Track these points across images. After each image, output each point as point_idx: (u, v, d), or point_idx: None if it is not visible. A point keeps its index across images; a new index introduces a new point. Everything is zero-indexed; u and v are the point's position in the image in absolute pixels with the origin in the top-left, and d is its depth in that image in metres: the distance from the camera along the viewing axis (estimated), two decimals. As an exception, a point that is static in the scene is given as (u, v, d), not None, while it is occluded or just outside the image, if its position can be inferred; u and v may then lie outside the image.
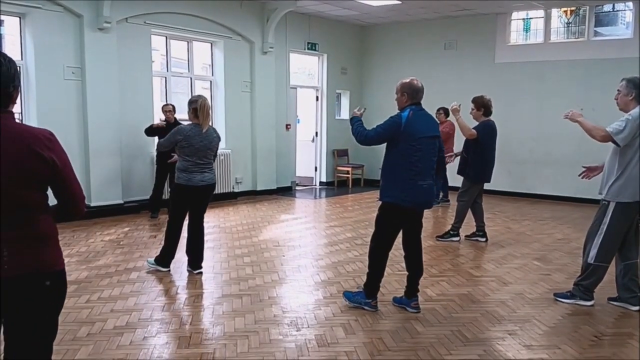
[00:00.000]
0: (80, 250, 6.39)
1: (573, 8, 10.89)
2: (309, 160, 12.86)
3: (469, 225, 7.29)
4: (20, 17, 7.69)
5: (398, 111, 4.40)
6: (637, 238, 4.63)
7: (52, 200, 2.23)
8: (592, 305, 4.71)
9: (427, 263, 5.32)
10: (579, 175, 5.02)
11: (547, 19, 11.17)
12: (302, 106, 12.53)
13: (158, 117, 8.89)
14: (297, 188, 12.20)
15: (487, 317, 4.48)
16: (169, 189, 7.61)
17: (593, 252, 4.58)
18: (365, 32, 13.27)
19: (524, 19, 11.56)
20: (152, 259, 5.70)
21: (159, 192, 8.52)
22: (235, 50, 10.40)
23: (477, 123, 6.94)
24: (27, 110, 7.77)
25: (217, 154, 5.67)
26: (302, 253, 6.53)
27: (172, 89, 9.83)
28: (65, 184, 2.20)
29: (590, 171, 4.95)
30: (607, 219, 4.49)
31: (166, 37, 9.56)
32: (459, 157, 7.29)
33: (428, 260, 5.82)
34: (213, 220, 8.19)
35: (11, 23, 7.77)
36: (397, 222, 4.44)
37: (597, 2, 10.60)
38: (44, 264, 2.15)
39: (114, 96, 8.49)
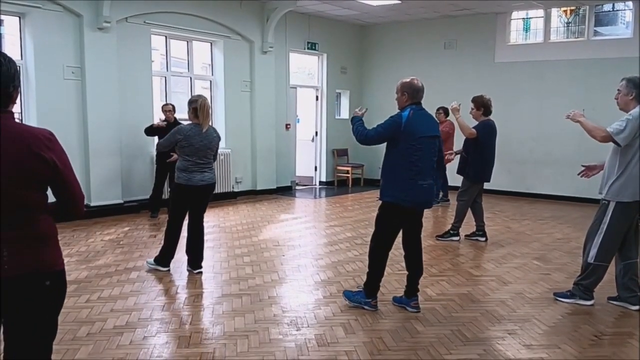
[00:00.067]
0: (80, 250, 6.39)
1: (573, 8, 10.89)
2: (309, 159, 12.87)
3: (468, 224, 7.29)
4: (20, 17, 7.69)
5: (398, 111, 4.40)
6: (637, 237, 4.64)
7: (51, 199, 2.23)
8: (592, 305, 4.71)
9: (427, 263, 5.32)
10: (578, 174, 5.03)
11: (547, 18, 11.18)
12: (302, 106, 12.53)
13: (158, 117, 8.88)
14: (297, 188, 12.20)
15: (487, 316, 4.48)
16: (169, 189, 7.61)
17: (593, 252, 4.58)
18: (365, 31, 13.27)
19: (523, 18, 11.56)
20: (151, 259, 5.71)
21: (159, 191, 8.52)
22: (235, 49, 10.40)
23: (476, 123, 6.94)
24: (27, 110, 7.77)
25: (218, 153, 5.67)
26: (302, 253, 6.53)
27: (171, 88, 9.83)
28: (65, 184, 2.19)
29: (589, 170, 4.95)
30: (607, 219, 4.49)
31: (166, 37, 9.56)
32: (459, 156, 7.29)
33: (428, 259, 5.82)
34: (213, 220, 8.19)
35: (11, 23, 7.77)
36: (397, 221, 4.44)
37: (596, 1, 10.60)
38: (43, 264, 2.15)
39: (114, 96, 8.49)
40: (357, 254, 6.42)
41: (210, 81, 10.43)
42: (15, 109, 2.21)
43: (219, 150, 5.76)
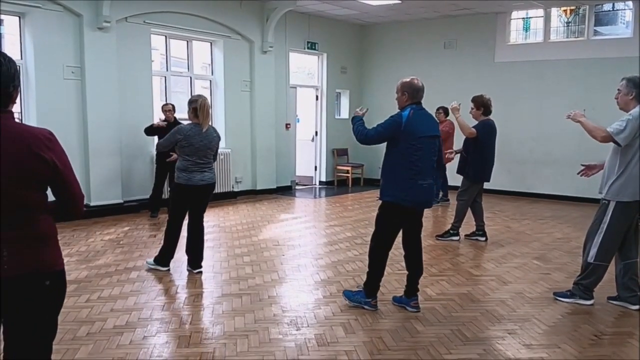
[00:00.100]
0: (80, 250, 6.39)
1: (573, 7, 10.89)
2: (309, 159, 12.86)
3: (468, 224, 7.29)
4: (19, 17, 7.69)
5: (398, 110, 4.40)
6: (637, 237, 4.64)
7: (50, 199, 2.23)
8: (591, 305, 4.71)
9: (426, 262, 5.32)
10: (578, 173, 5.03)
11: (547, 18, 11.18)
12: (301, 105, 12.52)
13: (158, 117, 8.88)
14: (297, 187, 12.20)
15: (487, 316, 4.48)
16: (169, 189, 7.61)
17: (593, 251, 4.58)
18: (365, 31, 13.26)
19: (523, 18, 11.56)
20: (151, 259, 5.70)
21: (159, 191, 8.52)
22: (234, 49, 10.40)
23: (476, 122, 6.94)
24: (26, 110, 7.77)
25: (218, 153, 5.67)
26: (302, 252, 6.53)
27: (171, 88, 9.83)
28: (65, 184, 2.19)
29: (589, 169, 4.95)
30: (607, 218, 4.49)
31: (166, 37, 9.56)
32: (459, 155, 7.29)
33: (428, 259, 5.82)
34: (213, 220, 8.19)
35: (11, 22, 7.77)
36: (397, 221, 4.44)
37: (596, 1, 10.60)
38: (43, 264, 2.15)
39: (114, 96, 8.49)
40: (357, 253, 6.42)
41: (210, 81, 10.43)
42: (15, 108, 2.21)
43: (219, 150, 5.76)
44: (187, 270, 5.59)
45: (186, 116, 5.57)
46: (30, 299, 2.12)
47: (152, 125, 8.38)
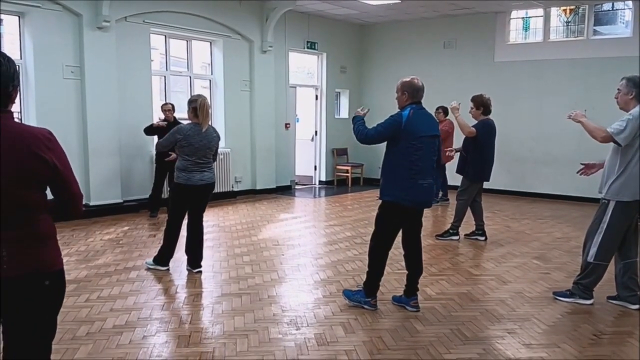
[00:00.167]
0: (79, 250, 6.39)
1: (572, 7, 10.89)
2: (309, 159, 12.86)
3: (468, 224, 7.29)
4: (19, 16, 7.68)
5: (398, 110, 4.40)
6: (637, 237, 4.64)
7: (48, 198, 2.23)
8: (591, 304, 4.72)
9: (426, 262, 5.31)
10: (577, 172, 5.03)
11: (547, 17, 11.18)
12: (301, 105, 12.52)
13: (157, 116, 8.88)
14: (297, 187, 12.20)
15: (487, 315, 4.48)
16: (168, 188, 7.61)
17: (593, 251, 4.58)
18: (364, 31, 13.26)
19: (523, 17, 11.56)
20: (150, 260, 5.70)
21: (158, 191, 8.52)
22: (234, 49, 10.39)
23: (476, 122, 6.94)
24: (26, 110, 7.76)
25: (218, 153, 5.67)
26: (302, 252, 6.53)
27: (171, 88, 9.83)
28: (65, 184, 2.19)
29: (588, 168, 4.95)
30: (607, 218, 4.49)
31: (165, 36, 9.55)
32: (458, 154, 7.30)
33: (427, 259, 5.82)
34: (212, 220, 8.19)
35: (10, 22, 7.76)
36: (397, 221, 4.44)
37: (596, 1, 10.60)
38: (43, 264, 2.15)
39: (113, 95, 8.49)
40: (356, 253, 6.42)
41: (210, 80, 10.43)
42: (15, 108, 2.21)
43: (219, 150, 5.76)
44: (187, 269, 5.59)
45: (186, 116, 5.56)
46: (29, 299, 2.12)
47: (152, 125, 8.38)
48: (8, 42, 7.93)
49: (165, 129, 7.29)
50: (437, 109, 9.64)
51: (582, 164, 5.00)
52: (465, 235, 7.26)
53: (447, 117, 9.64)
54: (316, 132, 12.83)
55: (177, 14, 9.27)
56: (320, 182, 12.94)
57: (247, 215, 8.78)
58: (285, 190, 11.56)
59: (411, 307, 4.54)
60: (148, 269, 5.60)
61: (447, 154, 8.04)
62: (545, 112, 10.93)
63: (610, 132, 4.34)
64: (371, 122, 4.44)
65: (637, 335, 4.11)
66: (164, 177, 8.37)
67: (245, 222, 8.24)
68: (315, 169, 12.95)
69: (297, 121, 12.50)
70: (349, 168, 12.78)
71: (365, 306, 4.54)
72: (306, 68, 13.11)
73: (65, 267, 2.29)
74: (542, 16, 11.24)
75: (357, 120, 4.55)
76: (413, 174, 4.25)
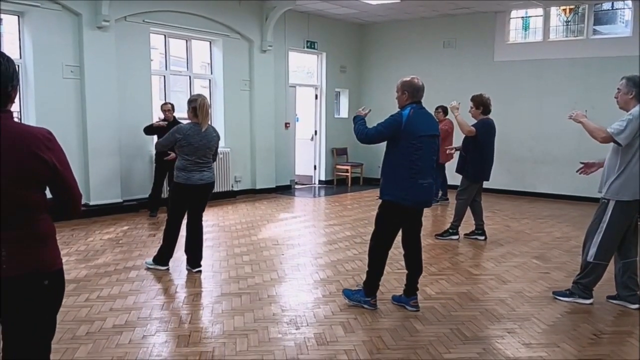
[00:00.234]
0: (79, 249, 6.39)
1: (572, 6, 10.89)
2: (308, 158, 12.86)
3: (468, 223, 7.29)
4: (19, 16, 7.68)
5: (398, 109, 4.40)
6: (637, 236, 4.64)
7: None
8: (591, 304, 4.72)
9: (426, 261, 5.32)
10: (577, 171, 5.02)
11: (546, 17, 11.18)
12: (301, 105, 12.52)
13: (157, 116, 8.88)
14: (296, 187, 12.21)
15: (486, 315, 4.49)
16: (168, 188, 7.61)
17: (592, 251, 4.58)
18: (364, 30, 13.26)
19: (523, 17, 11.56)
20: (150, 259, 5.70)
21: (158, 190, 8.52)
22: (234, 48, 10.39)
23: (475, 121, 6.93)
24: (25, 109, 7.76)
25: (218, 153, 5.67)
26: (302, 251, 6.53)
27: (171, 87, 9.82)
28: (64, 184, 2.19)
29: (587, 167, 4.95)
30: (606, 218, 4.49)
31: (165, 36, 9.55)
32: (458, 154, 7.30)
33: (427, 258, 5.82)
34: (212, 219, 8.19)
35: (10, 22, 7.76)
36: (397, 220, 4.44)
37: (596, 0, 10.60)
38: (43, 264, 2.15)
39: (113, 95, 8.49)
40: (356, 252, 6.42)
41: (210, 80, 10.43)
42: (14, 108, 2.20)
43: (219, 150, 5.75)
44: (187, 269, 5.59)
45: (185, 115, 5.56)
46: (29, 299, 2.12)
47: (151, 125, 8.38)
48: (7, 41, 7.93)
49: (165, 129, 7.28)
50: (437, 108, 9.64)
51: (581, 163, 5.00)
52: (465, 234, 7.26)
53: (447, 117, 9.64)
54: (316, 131, 12.83)
55: (177, 14, 9.27)
56: (320, 181, 12.94)
57: (246, 215, 8.78)
58: (285, 190, 11.56)
59: (411, 306, 4.54)
60: (148, 269, 5.60)
61: (447, 151, 8.05)
62: (545, 112, 10.93)
63: (611, 133, 4.34)
64: (371, 122, 4.45)
65: (636, 334, 4.11)
66: (164, 176, 8.37)
67: (245, 221, 8.24)
68: (315, 168, 12.95)
69: (297, 121, 12.50)
70: (348, 168, 12.78)
71: (365, 306, 4.54)
72: (306, 67, 13.11)
73: (65, 267, 2.29)
74: (541, 16, 11.24)
75: (358, 120, 4.55)
76: (413, 174, 4.25)
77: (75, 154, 8.00)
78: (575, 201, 10.35)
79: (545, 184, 11.10)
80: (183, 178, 5.30)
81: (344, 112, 13.23)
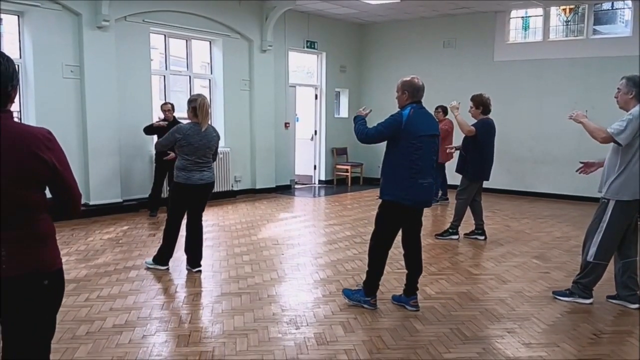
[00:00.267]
0: (79, 249, 6.39)
1: (572, 6, 10.89)
2: (308, 158, 12.86)
3: (468, 223, 7.29)
4: (18, 16, 7.68)
5: (399, 109, 4.40)
6: (637, 236, 4.64)
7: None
8: (591, 303, 4.72)
9: (426, 261, 5.32)
10: (577, 171, 5.02)
11: (546, 17, 11.18)
12: (301, 104, 12.52)
13: (157, 116, 8.88)
14: (296, 186, 12.21)
15: (486, 315, 4.49)
16: (168, 188, 7.61)
17: (592, 250, 4.58)
18: (364, 30, 13.26)
19: (522, 17, 11.56)
20: (150, 259, 5.70)
21: (158, 190, 8.52)
22: (234, 48, 10.39)
23: (475, 121, 6.93)
24: (25, 109, 7.76)
25: (218, 152, 5.67)
26: (301, 251, 6.53)
27: (170, 87, 9.82)
28: (64, 185, 2.19)
29: (587, 167, 4.95)
30: (606, 217, 4.49)
31: (165, 36, 9.55)
32: (458, 153, 7.30)
33: (427, 258, 5.82)
34: (212, 219, 8.19)
35: (10, 21, 7.76)
36: (397, 220, 4.44)
37: (596, 0, 10.60)
38: (42, 264, 2.15)
39: (113, 95, 8.49)
40: (356, 252, 6.42)
41: (210, 80, 10.43)
42: (14, 108, 2.20)
43: (218, 149, 5.76)
44: (186, 269, 5.59)
45: (185, 115, 5.56)
46: (29, 299, 2.12)
47: (152, 125, 8.37)
48: (7, 41, 7.93)
49: (165, 129, 7.28)
50: (437, 108, 9.64)
51: (581, 163, 5.00)
52: (465, 234, 7.26)
53: (447, 117, 9.64)
54: (316, 131, 12.83)
55: (177, 14, 9.27)
56: (320, 181, 12.94)
57: (246, 215, 8.78)
58: (284, 190, 11.56)
59: (411, 306, 4.54)
60: (148, 269, 5.60)
61: (447, 150, 8.05)
62: (545, 112, 10.93)
63: (611, 133, 4.34)
64: (371, 122, 4.45)
65: (636, 334, 4.11)
66: (164, 176, 8.37)
67: (245, 221, 8.24)
68: (315, 168, 12.95)
69: (297, 120, 12.50)
70: (348, 167, 12.78)
71: (365, 305, 4.54)
72: (306, 67, 13.11)
73: (65, 267, 2.29)
74: (541, 15, 11.24)
75: (359, 120, 4.56)
76: (413, 174, 4.25)
77: (75, 154, 8.00)
78: (575, 201, 10.36)
79: (545, 183, 11.10)
80: (183, 178, 5.30)
81: (343, 112, 13.23)
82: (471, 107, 6.97)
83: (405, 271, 4.66)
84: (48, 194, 2.20)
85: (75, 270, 5.49)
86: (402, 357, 3.68)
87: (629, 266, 4.63)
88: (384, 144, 4.44)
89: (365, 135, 4.41)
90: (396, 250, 4.88)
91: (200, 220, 5.61)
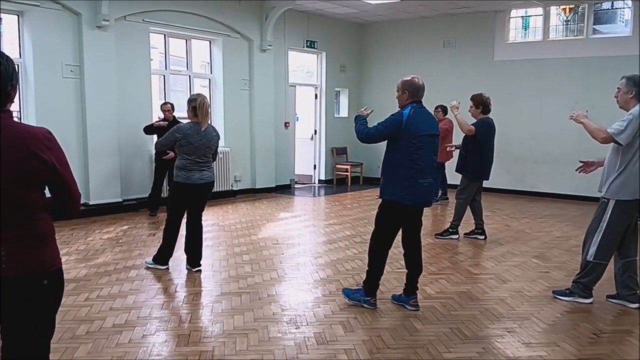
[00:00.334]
0: (79, 249, 6.39)
1: (572, 6, 10.89)
2: (308, 158, 12.86)
3: (468, 223, 7.29)
4: (18, 15, 7.67)
5: (399, 109, 4.40)
6: (637, 236, 4.64)
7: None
8: (590, 303, 4.72)
9: (426, 261, 5.32)
10: (576, 170, 5.02)
11: (546, 16, 11.18)
12: (301, 104, 12.52)
13: (157, 116, 8.88)
14: (296, 186, 12.21)
15: (486, 314, 4.49)
16: (168, 187, 7.61)
17: (592, 250, 4.59)
18: (364, 29, 13.26)
19: (522, 16, 11.55)
20: (150, 259, 5.70)
21: (158, 190, 8.52)
22: (233, 48, 10.39)
23: (475, 121, 6.93)
24: (25, 109, 7.76)
25: (217, 152, 5.67)
26: (301, 251, 6.53)
27: (170, 87, 9.82)
28: (64, 185, 2.19)
29: (587, 166, 4.95)
30: (606, 217, 4.49)
31: (165, 35, 9.54)
32: (458, 152, 7.30)
33: (427, 258, 5.82)
34: (212, 219, 8.19)
35: (10, 21, 7.75)
36: (397, 220, 4.44)
37: (595, 0, 10.60)
38: (42, 264, 2.14)
39: (113, 94, 8.48)
40: (356, 252, 6.42)
41: (209, 79, 10.43)
42: (14, 107, 2.20)
43: (218, 149, 5.76)
44: (186, 268, 5.59)
45: (185, 115, 5.56)
46: (29, 299, 2.12)
47: (151, 125, 8.37)
48: (7, 41, 7.93)
49: (165, 129, 7.28)
50: (437, 107, 9.64)
51: (581, 162, 5.00)
52: (465, 234, 7.26)
53: (447, 116, 9.64)
54: (316, 131, 12.83)
55: (177, 13, 9.27)
56: (320, 181, 12.94)
57: (246, 214, 8.78)
58: (284, 189, 11.56)
59: (411, 306, 4.54)
60: (147, 268, 5.61)
61: (447, 149, 8.05)
62: (545, 111, 10.93)
63: (611, 133, 4.34)
64: (371, 122, 4.44)
65: (636, 334, 4.11)
66: (164, 176, 8.37)
67: (245, 221, 8.24)
68: (315, 168, 12.94)
69: (297, 120, 12.50)
70: (348, 167, 12.78)
71: (365, 305, 4.54)
72: (306, 67, 13.11)
73: (64, 266, 2.29)
74: (541, 15, 11.23)
75: (359, 120, 4.56)
76: (413, 173, 4.25)
77: (75, 153, 8.00)
78: (575, 200, 10.36)
79: (545, 183, 11.10)
80: (183, 177, 5.30)
81: (343, 112, 13.23)
82: (471, 107, 6.97)
83: (405, 271, 4.67)
84: (48, 194, 2.20)
85: (75, 270, 5.49)
86: (402, 356, 3.68)
87: (629, 266, 4.63)
88: (384, 144, 4.44)
89: (366, 134, 4.41)
90: (396, 250, 4.89)
91: (200, 219, 5.61)
